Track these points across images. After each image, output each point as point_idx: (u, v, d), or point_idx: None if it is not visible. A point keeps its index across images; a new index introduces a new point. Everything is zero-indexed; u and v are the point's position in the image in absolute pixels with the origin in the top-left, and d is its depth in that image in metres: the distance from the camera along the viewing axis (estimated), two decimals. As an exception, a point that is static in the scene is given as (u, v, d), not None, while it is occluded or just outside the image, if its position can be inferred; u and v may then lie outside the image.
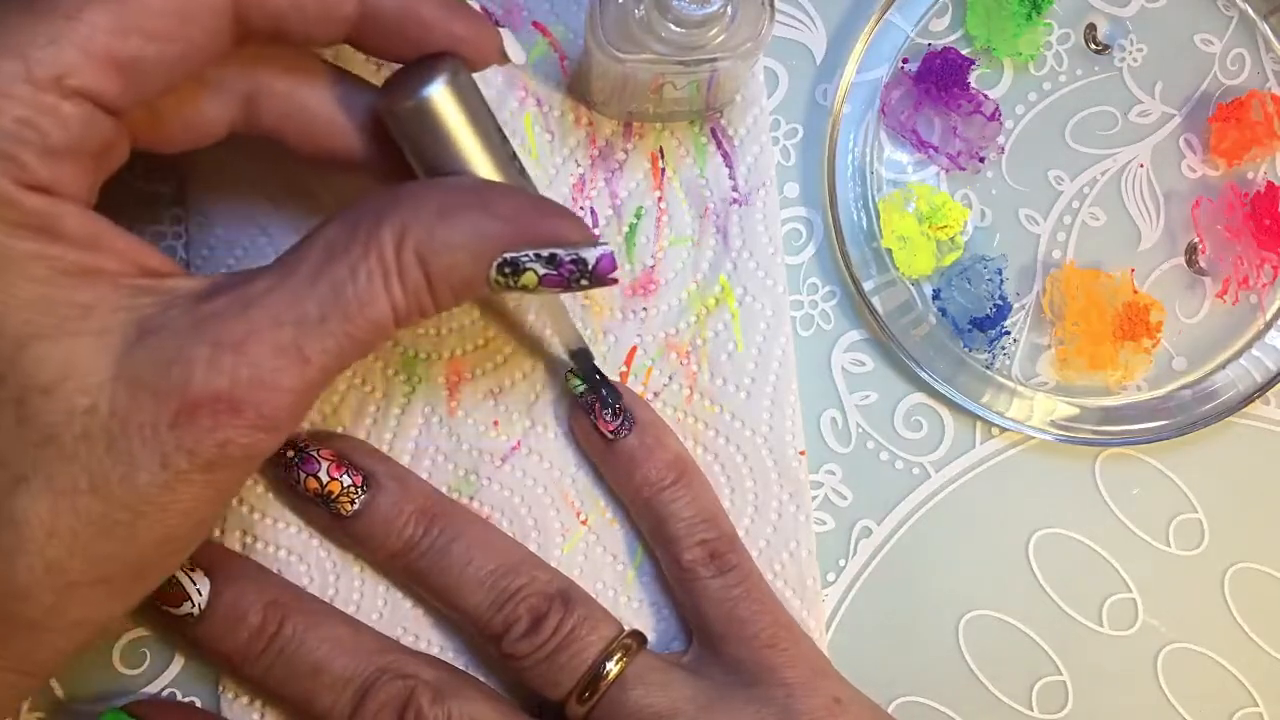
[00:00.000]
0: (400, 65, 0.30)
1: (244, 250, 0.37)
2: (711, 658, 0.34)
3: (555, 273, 0.28)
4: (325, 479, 0.33)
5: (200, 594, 0.32)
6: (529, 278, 0.28)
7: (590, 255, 0.29)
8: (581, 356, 0.35)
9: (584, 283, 0.29)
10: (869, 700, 0.35)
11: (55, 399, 0.25)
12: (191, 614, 0.32)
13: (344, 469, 0.34)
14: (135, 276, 0.27)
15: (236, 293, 0.27)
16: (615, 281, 0.29)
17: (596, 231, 0.38)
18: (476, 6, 0.31)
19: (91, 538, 0.25)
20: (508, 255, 0.28)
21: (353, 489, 0.34)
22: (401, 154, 0.30)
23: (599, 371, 0.36)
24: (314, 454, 0.34)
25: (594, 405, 0.35)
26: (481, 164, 0.30)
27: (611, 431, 0.35)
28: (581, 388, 0.35)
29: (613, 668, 0.33)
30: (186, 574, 0.32)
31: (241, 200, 0.37)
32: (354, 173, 0.32)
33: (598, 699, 0.33)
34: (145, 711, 0.33)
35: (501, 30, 0.31)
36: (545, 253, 0.28)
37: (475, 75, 0.30)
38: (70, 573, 0.26)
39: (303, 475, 0.34)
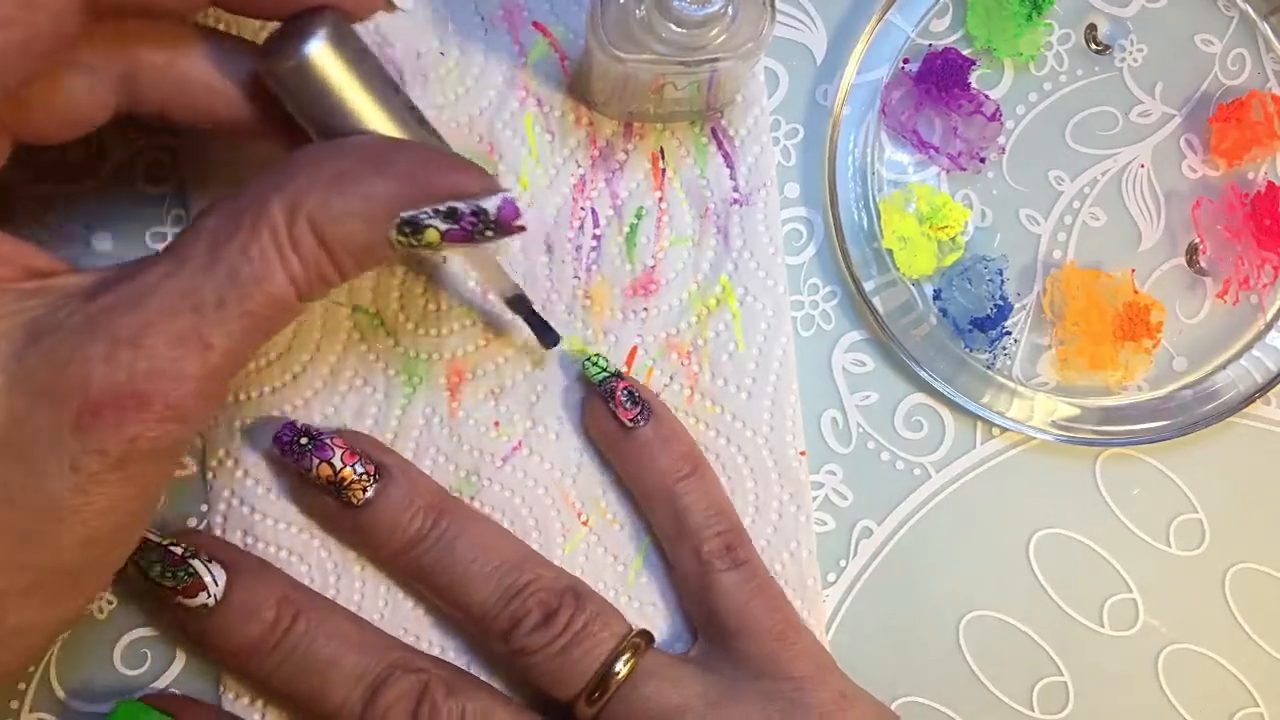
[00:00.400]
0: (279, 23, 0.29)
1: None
2: (719, 653, 0.34)
3: (457, 227, 0.28)
4: (339, 465, 0.33)
5: (216, 584, 0.32)
6: (431, 235, 0.27)
7: (490, 204, 0.28)
8: (519, 303, 0.35)
9: (489, 234, 0.28)
10: (872, 697, 0.35)
11: None
12: (206, 605, 0.32)
13: (357, 458, 0.34)
14: (20, 280, 0.26)
15: (128, 285, 0.26)
16: (522, 229, 0.29)
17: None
18: None
19: (11, 548, 0.25)
20: (405, 214, 0.27)
21: (365, 477, 0.34)
22: (291, 115, 0.29)
23: (537, 315, 0.35)
24: (328, 441, 0.34)
25: (613, 394, 0.35)
26: (373, 119, 0.29)
27: (630, 420, 0.35)
28: (600, 375, 0.35)
29: (622, 668, 0.33)
30: (204, 565, 0.32)
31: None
32: (247, 138, 0.31)
33: (607, 699, 0.33)
34: (170, 706, 0.33)
35: None
36: (444, 207, 0.27)
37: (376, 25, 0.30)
38: None
39: (316, 461, 0.33)
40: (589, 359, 0.36)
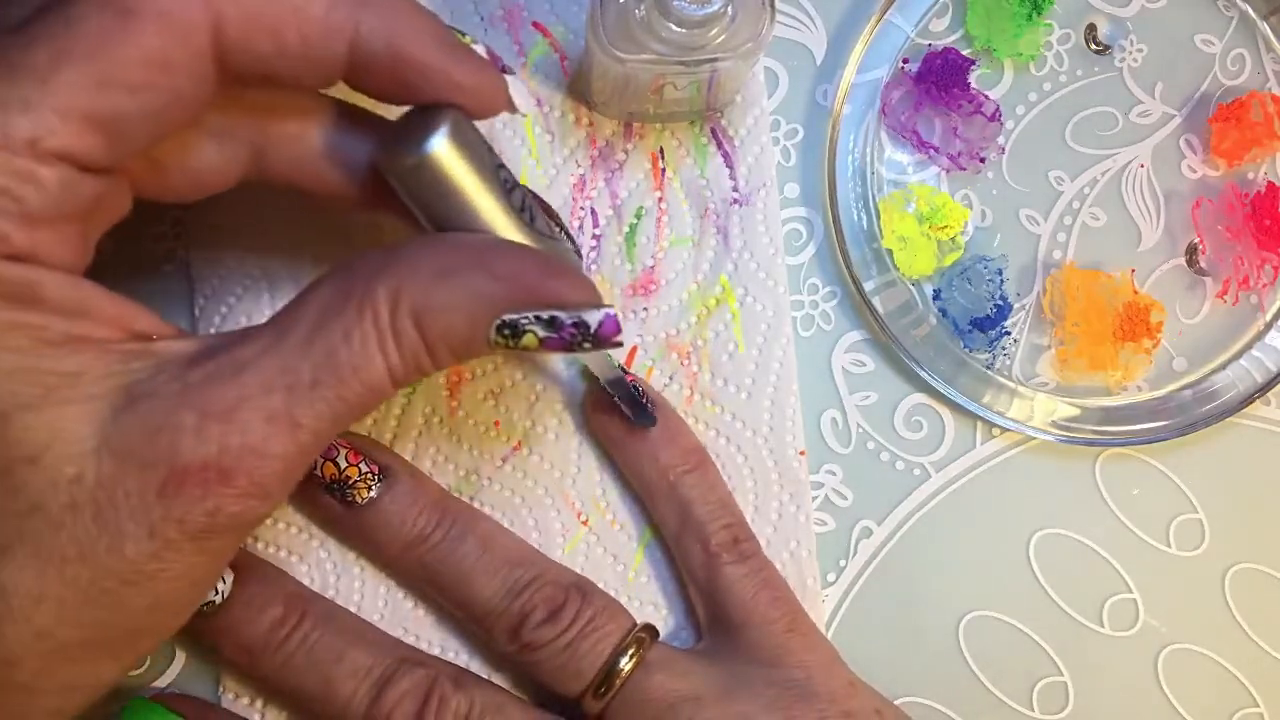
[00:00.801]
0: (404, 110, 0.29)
1: (244, 247, 0.37)
2: (727, 645, 0.35)
3: (556, 335, 0.28)
4: (343, 464, 0.33)
5: (224, 583, 0.33)
6: (529, 339, 0.27)
7: (593, 319, 0.28)
8: (618, 385, 0.35)
9: (586, 345, 0.28)
10: (876, 690, 0.35)
11: (41, 469, 0.25)
12: (213, 603, 0.32)
13: (361, 457, 0.34)
14: (123, 341, 0.26)
15: (226, 356, 0.26)
16: (619, 344, 0.28)
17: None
18: (483, 51, 0.30)
19: (80, 605, 0.25)
20: (507, 317, 0.27)
21: (370, 476, 0.34)
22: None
23: (636, 398, 0.35)
24: (333, 441, 0.34)
25: (616, 389, 0.35)
26: (485, 218, 0.29)
27: (634, 415, 0.35)
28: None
29: (627, 662, 0.33)
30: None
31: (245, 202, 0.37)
32: (367, 214, 0.31)
33: (613, 694, 0.33)
34: (180, 706, 0.33)
35: (508, 77, 0.30)
36: (546, 315, 0.27)
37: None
38: (58, 638, 0.25)
39: (321, 460, 0.33)
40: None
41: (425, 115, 0.28)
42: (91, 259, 0.27)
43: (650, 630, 0.34)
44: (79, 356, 0.25)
